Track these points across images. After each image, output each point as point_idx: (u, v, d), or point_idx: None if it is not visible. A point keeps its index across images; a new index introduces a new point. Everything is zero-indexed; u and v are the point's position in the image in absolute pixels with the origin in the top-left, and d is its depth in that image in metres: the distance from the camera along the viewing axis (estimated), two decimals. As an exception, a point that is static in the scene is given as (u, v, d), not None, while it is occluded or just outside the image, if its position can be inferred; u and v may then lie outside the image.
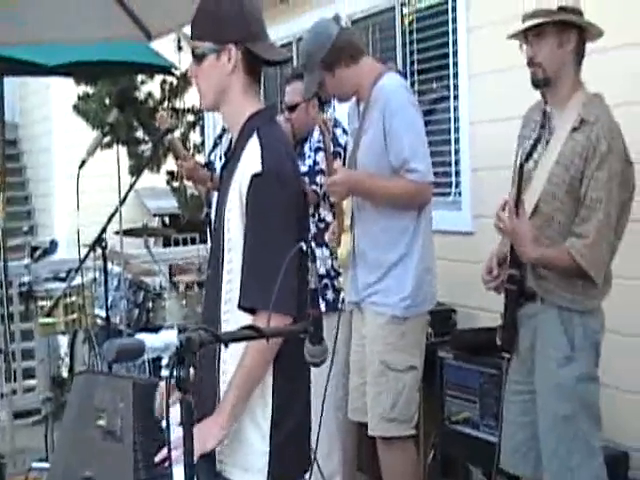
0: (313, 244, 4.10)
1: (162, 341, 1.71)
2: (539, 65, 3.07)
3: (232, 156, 2.48)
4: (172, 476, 1.80)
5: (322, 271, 4.31)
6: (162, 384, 1.75)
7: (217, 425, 2.29)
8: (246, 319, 2.27)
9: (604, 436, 3.15)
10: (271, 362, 2.34)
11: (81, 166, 4.24)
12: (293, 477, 2.48)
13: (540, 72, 3.08)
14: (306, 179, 4.14)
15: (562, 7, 3.06)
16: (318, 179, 4.30)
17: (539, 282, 3.08)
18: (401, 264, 3.67)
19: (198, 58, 2.45)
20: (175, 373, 1.67)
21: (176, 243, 10.46)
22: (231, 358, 2.37)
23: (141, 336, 1.72)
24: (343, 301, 4.16)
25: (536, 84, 3.12)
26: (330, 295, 4.34)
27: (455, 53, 4.99)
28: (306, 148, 4.46)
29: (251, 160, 2.34)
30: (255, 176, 2.31)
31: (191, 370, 1.69)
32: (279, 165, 2.35)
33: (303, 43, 3.82)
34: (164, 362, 1.72)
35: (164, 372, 1.71)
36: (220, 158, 4.76)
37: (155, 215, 12.41)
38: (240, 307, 2.32)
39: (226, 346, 2.08)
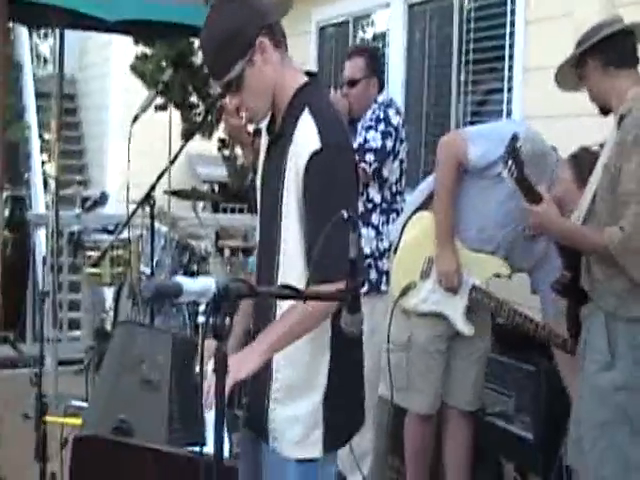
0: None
1: (200, 286, 1.73)
2: (593, 99, 3.09)
3: (281, 134, 2.35)
4: (204, 423, 1.89)
5: (367, 251, 4.22)
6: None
7: (255, 353, 2.21)
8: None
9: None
10: (321, 322, 2.24)
11: (134, 121, 4.19)
12: (347, 430, 2.42)
13: (596, 104, 3.09)
14: (356, 156, 4.15)
15: (581, 39, 3.02)
16: (367, 157, 4.17)
17: (593, 285, 2.98)
18: None
19: (237, 82, 2.32)
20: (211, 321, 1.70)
21: (224, 211, 10.56)
22: None
23: (179, 279, 1.75)
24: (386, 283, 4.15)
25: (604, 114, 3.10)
26: (373, 275, 4.28)
27: (511, 46, 4.99)
28: (358, 126, 4.33)
29: (307, 138, 2.22)
30: (315, 154, 2.20)
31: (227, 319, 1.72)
32: (338, 138, 2.25)
33: None
34: (201, 308, 1.74)
35: (200, 318, 1.73)
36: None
37: (205, 182, 12.49)
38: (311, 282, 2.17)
39: (260, 297, 2.06)
